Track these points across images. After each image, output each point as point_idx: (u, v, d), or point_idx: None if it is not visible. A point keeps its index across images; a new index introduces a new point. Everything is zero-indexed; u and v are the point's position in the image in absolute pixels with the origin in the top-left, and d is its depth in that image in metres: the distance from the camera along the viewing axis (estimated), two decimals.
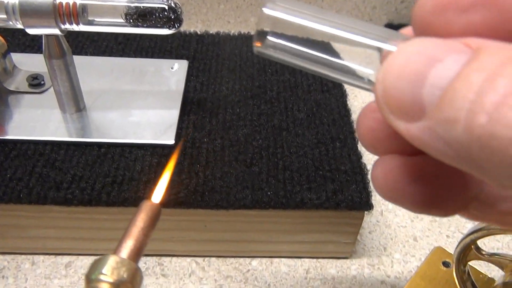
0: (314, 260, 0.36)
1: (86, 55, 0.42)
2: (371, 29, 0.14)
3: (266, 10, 0.14)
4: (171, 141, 0.34)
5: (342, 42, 0.14)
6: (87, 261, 0.35)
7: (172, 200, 0.31)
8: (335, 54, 0.14)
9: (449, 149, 0.11)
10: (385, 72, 0.12)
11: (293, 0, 0.15)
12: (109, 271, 0.15)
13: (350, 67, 0.14)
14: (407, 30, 0.15)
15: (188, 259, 0.36)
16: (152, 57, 0.43)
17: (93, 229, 0.33)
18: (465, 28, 0.12)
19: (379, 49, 0.14)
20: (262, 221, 0.33)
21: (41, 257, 0.35)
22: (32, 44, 0.43)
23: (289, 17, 0.14)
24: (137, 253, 0.16)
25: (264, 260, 0.36)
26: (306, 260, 0.36)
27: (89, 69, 0.40)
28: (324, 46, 0.14)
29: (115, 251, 0.16)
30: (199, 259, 0.36)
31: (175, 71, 0.41)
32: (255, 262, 0.36)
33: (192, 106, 0.38)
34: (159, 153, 0.34)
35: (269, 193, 0.31)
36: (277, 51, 0.15)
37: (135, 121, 0.36)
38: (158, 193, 0.19)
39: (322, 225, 0.33)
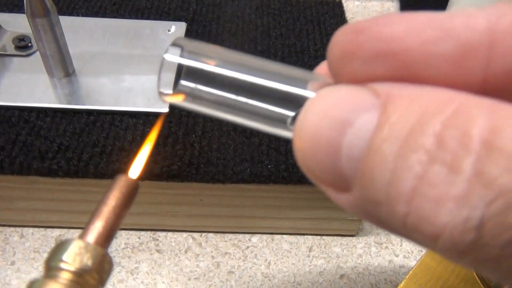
0: (318, 237, 0.34)
1: (78, 15, 0.39)
2: (287, 73, 0.13)
3: (168, 57, 0.13)
4: (165, 109, 0.32)
5: (254, 89, 0.13)
6: (78, 234, 0.33)
7: (165, 173, 0.28)
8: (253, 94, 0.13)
9: (382, 226, 0.10)
10: (299, 138, 0.11)
11: (200, 44, 0.14)
12: (71, 258, 0.13)
13: (267, 113, 0.13)
14: (323, 67, 0.14)
15: (184, 235, 0.34)
16: (148, 18, 0.40)
17: (82, 202, 0.31)
18: (371, 77, 0.11)
19: (295, 97, 0.13)
20: (262, 196, 0.31)
21: (31, 229, 0.33)
22: (20, 4, 0.40)
23: (195, 64, 0.13)
24: (107, 237, 0.14)
25: (264, 236, 0.34)
26: (309, 237, 0.34)
27: (80, 30, 0.37)
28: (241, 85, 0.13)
29: (82, 233, 0.14)
30: (196, 235, 0.34)
31: (172, 34, 0.38)
32: (255, 238, 0.34)
33: None
34: (152, 121, 0.31)
35: (269, 166, 0.29)
36: (187, 99, 0.14)
37: (128, 87, 0.33)
38: (136, 166, 0.16)
39: (326, 201, 0.31)
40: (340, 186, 0.11)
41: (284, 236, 0.34)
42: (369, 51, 0.11)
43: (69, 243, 0.13)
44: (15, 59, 0.35)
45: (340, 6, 0.43)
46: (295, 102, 0.13)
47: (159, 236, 0.34)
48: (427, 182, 0.09)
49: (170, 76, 0.13)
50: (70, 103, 0.32)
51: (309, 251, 0.33)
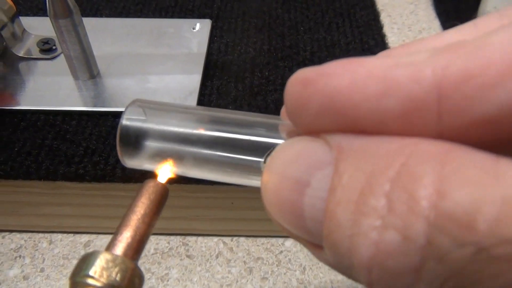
0: None
1: (102, 16, 0.39)
2: (253, 123, 0.13)
3: (125, 121, 0.13)
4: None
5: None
6: (107, 240, 0.32)
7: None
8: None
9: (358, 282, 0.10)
10: (266, 200, 0.11)
11: (157, 104, 0.14)
12: (97, 272, 0.12)
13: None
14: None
15: (215, 239, 0.32)
16: (172, 17, 0.39)
17: (110, 207, 0.30)
18: (324, 129, 0.11)
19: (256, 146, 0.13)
20: None
21: (59, 235, 0.33)
22: (44, 7, 0.40)
23: (154, 126, 0.13)
24: (136, 249, 0.13)
25: None
26: None
27: (104, 32, 0.37)
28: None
29: (108, 246, 0.13)
30: (227, 239, 0.32)
31: (197, 32, 0.37)
32: (288, 242, 0.32)
33: (215, 70, 0.34)
34: None
35: None
36: (151, 161, 0.14)
37: (153, 88, 0.32)
38: (166, 169, 0.15)
39: None
40: (313, 244, 0.11)
41: None
42: (316, 106, 0.10)
43: (96, 256, 0.12)
44: (39, 62, 0.34)
45: None
46: (264, 151, 0.13)
47: (189, 241, 0.32)
48: (383, 250, 0.09)
49: (129, 139, 0.13)
50: (95, 106, 0.31)
51: None
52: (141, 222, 0.13)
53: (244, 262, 0.31)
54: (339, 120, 0.10)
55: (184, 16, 0.39)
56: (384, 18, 0.45)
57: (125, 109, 0.13)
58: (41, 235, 0.33)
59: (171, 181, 0.16)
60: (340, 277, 0.31)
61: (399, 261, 0.08)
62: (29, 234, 0.33)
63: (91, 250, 0.32)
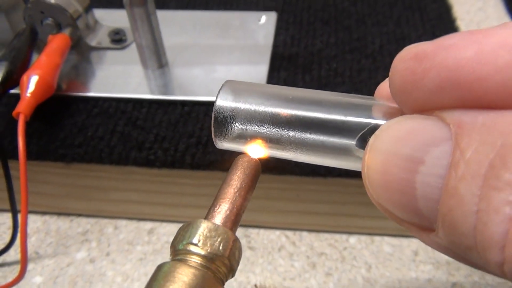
0: None
1: (168, 9, 0.39)
2: (346, 102, 0.13)
3: (220, 102, 0.13)
4: None
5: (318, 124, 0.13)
6: (170, 228, 0.33)
7: (261, 165, 0.27)
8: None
9: (478, 268, 0.10)
10: (369, 179, 0.11)
11: (250, 85, 0.14)
12: (201, 240, 0.11)
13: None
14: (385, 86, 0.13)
15: (277, 232, 0.32)
16: (237, 9, 0.39)
17: (176, 194, 0.30)
18: (438, 106, 0.10)
19: (356, 127, 0.12)
20: (363, 192, 0.28)
21: (124, 221, 0.33)
22: (114, 0, 0.41)
23: (248, 106, 0.13)
24: (235, 220, 0.12)
25: (363, 237, 0.31)
26: (414, 240, 0.31)
27: (171, 23, 0.37)
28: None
29: (207, 215, 0.12)
30: (289, 233, 0.32)
31: (262, 24, 0.37)
32: (353, 239, 0.31)
33: (282, 61, 0.34)
34: None
35: None
36: (244, 142, 0.14)
37: (220, 77, 0.32)
38: (257, 149, 0.15)
39: None
40: (422, 226, 0.10)
41: (385, 237, 0.31)
42: (434, 81, 0.10)
43: (198, 225, 0.12)
44: (110, 52, 0.35)
45: None
46: (357, 133, 0.12)
47: (251, 233, 0.32)
48: None
49: (224, 120, 0.13)
50: (164, 94, 0.31)
51: (415, 255, 0.30)
52: (237, 195, 0.13)
53: (307, 256, 0.31)
54: (461, 94, 0.09)
55: (249, 9, 0.39)
56: None
57: (219, 90, 0.13)
58: (106, 220, 0.33)
59: (261, 158, 0.15)
60: (408, 276, 0.29)
61: None
62: (95, 219, 0.33)
63: (155, 237, 0.32)
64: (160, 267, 0.11)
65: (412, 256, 0.30)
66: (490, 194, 0.08)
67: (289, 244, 0.31)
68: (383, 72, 0.32)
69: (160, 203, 0.31)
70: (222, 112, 0.13)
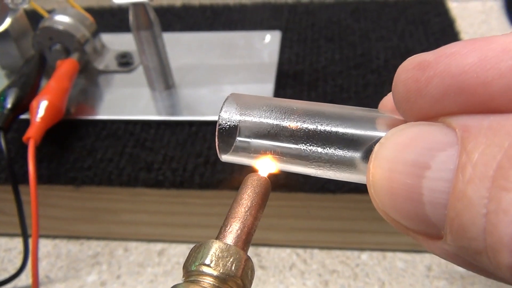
0: None
1: (174, 31, 0.40)
2: (349, 114, 0.13)
3: (224, 114, 0.13)
4: None
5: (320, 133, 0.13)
6: (180, 248, 0.33)
7: (271, 182, 0.27)
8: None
9: (486, 275, 0.10)
10: (373, 187, 0.11)
11: (254, 98, 0.14)
12: (213, 261, 0.11)
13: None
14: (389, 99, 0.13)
15: (288, 250, 0.32)
16: (241, 30, 0.39)
17: (185, 214, 0.30)
18: (443, 113, 0.10)
19: (360, 140, 0.12)
20: (374, 207, 0.28)
21: (134, 243, 0.33)
22: (120, 25, 0.42)
23: (252, 119, 0.13)
24: (246, 240, 0.12)
25: (375, 253, 0.31)
26: (427, 255, 0.31)
27: (177, 45, 0.38)
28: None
29: (218, 236, 0.12)
30: (300, 250, 0.32)
31: (267, 43, 0.37)
32: (365, 255, 0.31)
33: (287, 79, 0.34)
34: None
35: None
36: (248, 155, 0.13)
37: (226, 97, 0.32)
38: (267, 164, 0.15)
39: None
40: (429, 234, 0.10)
41: (397, 253, 0.31)
42: (438, 88, 0.10)
43: (209, 245, 0.12)
44: (117, 75, 0.36)
45: (442, 4, 0.40)
46: (362, 145, 0.12)
47: (262, 252, 0.32)
48: None
49: (228, 133, 0.13)
50: (172, 115, 0.31)
51: (428, 271, 0.30)
52: (248, 214, 0.13)
53: (319, 274, 0.30)
54: (466, 100, 0.09)
55: (253, 29, 0.39)
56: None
57: (223, 102, 0.13)
58: (116, 242, 0.33)
59: (271, 176, 0.15)
60: None
61: None
62: (106, 241, 0.33)
63: (165, 259, 0.32)
64: None
65: (426, 272, 0.30)
66: (499, 195, 0.08)
67: (300, 262, 0.31)
68: (389, 86, 0.32)
69: (169, 223, 0.31)
70: (226, 124, 0.13)
